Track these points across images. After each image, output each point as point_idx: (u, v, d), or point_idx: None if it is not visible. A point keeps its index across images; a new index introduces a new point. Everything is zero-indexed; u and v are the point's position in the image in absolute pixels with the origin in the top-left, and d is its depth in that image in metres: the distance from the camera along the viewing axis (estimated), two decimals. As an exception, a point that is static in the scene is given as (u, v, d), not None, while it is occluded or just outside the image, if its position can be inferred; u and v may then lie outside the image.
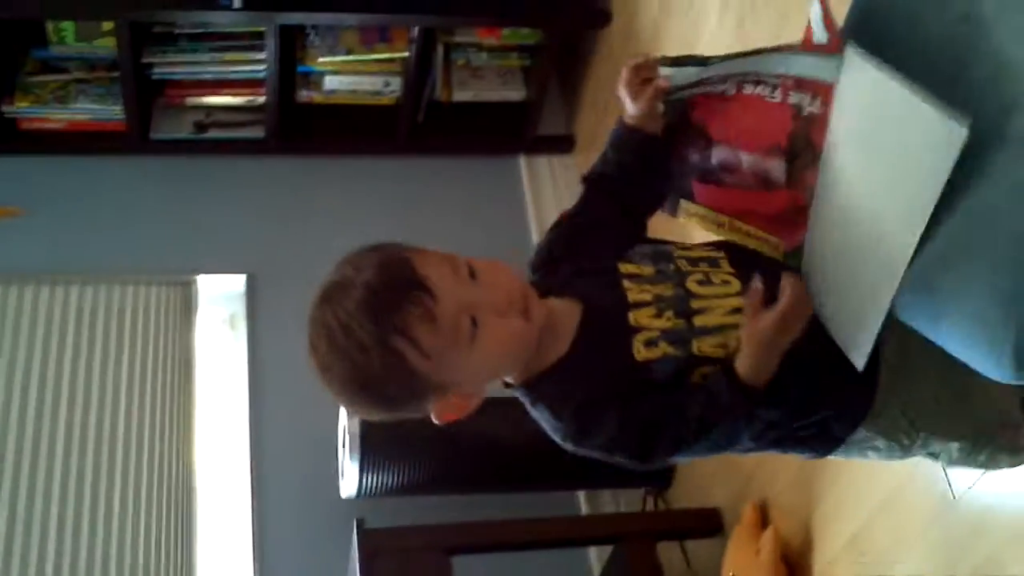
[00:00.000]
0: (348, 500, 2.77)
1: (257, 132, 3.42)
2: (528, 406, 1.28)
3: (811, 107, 1.19)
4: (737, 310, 1.23)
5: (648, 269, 1.29)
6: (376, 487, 2.72)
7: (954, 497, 1.79)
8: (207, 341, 3.26)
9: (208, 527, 2.96)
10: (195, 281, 3.29)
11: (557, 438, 1.27)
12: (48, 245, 3.22)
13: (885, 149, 1.11)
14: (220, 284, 3.31)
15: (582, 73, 3.51)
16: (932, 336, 1.12)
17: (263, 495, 2.97)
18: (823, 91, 1.16)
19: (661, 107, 1.35)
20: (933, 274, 1.07)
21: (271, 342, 3.21)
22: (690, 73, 1.31)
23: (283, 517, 2.94)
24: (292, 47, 3.30)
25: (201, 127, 3.42)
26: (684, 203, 1.39)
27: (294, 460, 3.02)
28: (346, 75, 3.38)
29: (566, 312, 1.28)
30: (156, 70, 3.27)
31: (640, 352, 1.23)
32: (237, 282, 3.30)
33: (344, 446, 2.74)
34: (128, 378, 3.05)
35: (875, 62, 1.08)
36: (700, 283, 1.27)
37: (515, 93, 3.49)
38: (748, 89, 1.26)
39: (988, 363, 1.03)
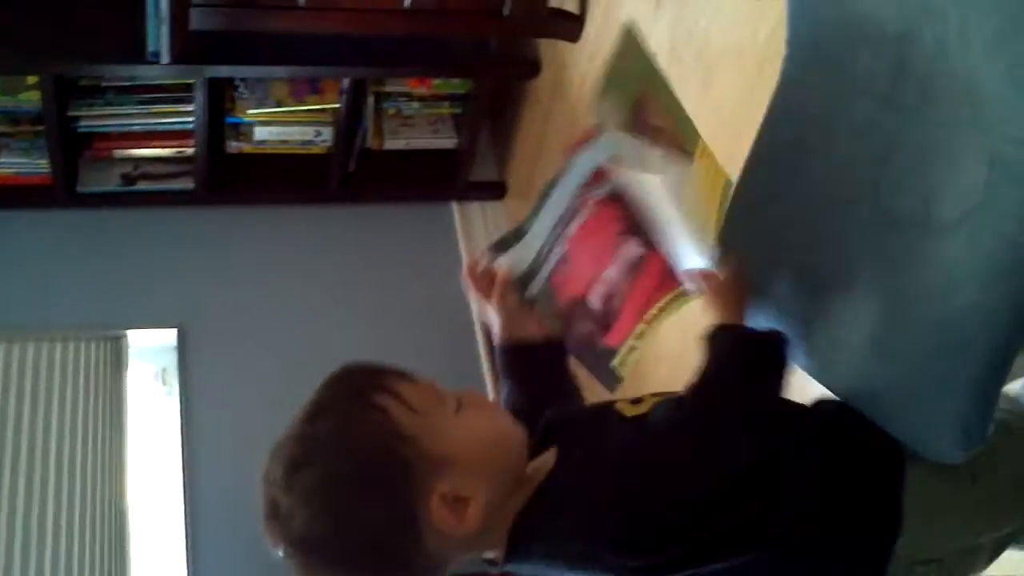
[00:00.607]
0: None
1: (187, 183, 3.39)
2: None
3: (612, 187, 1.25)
4: None
5: None
6: (315, 544, 2.69)
7: None
8: (138, 396, 3.22)
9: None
10: (125, 336, 3.25)
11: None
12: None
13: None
14: (150, 338, 3.27)
15: (513, 121, 3.54)
16: (873, 417, 1.15)
17: (198, 554, 2.93)
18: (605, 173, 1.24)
19: (520, 298, 1.31)
20: (866, 359, 1.10)
21: (204, 395, 3.17)
22: (521, 249, 1.30)
23: (218, 572, 2.90)
24: (221, 98, 3.29)
25: (129, 179, 3.38)
26: (612, 364, 1.36)
27: (229, 513, 2.97)
28: (276, 125, 3.36)
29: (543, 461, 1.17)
30: (83, 123, 3.23)
31: (627, 409, 1.19)
32: (168, 336, 3.26)
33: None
34: (58, 436, 3.00)
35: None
36: None
37: (447, 141, 3.51)
38: (572, 228, 1.29)
39: (928, 445, 1.06)
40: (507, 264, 1.30)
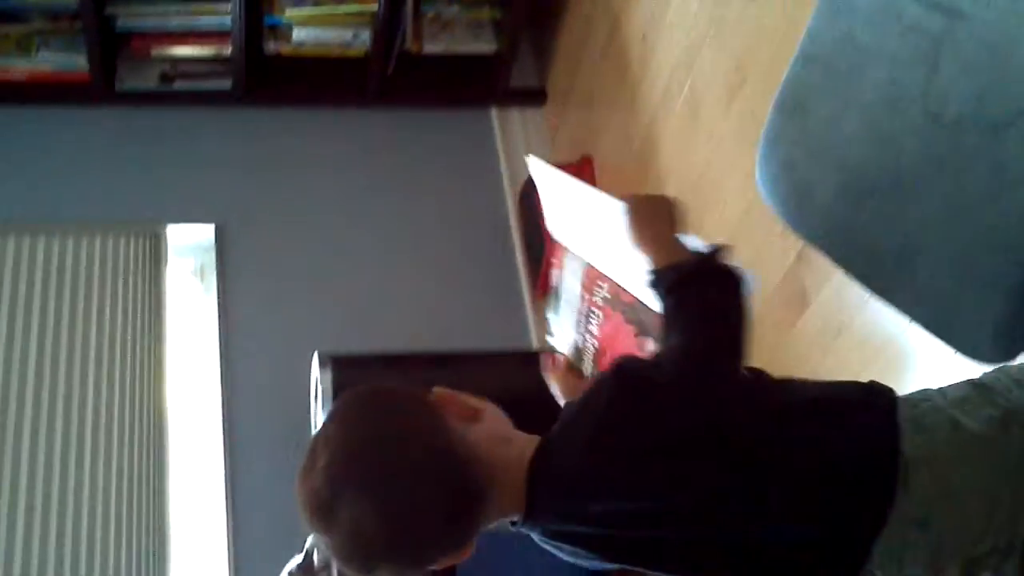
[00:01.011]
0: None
1: (224, 84, 3.39)
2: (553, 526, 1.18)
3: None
4: None
5: None
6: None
7: None
8: (176, 292, 3.26)
9: (180, 478, 2.98)
10: (164, 231, 3.27)
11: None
12: (13, 196, 3.19)
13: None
14: (189, 234, 3.30)
15: (554, 26, 3.49)
16: (908, 315, 1.15)
17: (235, 445, 2.99)
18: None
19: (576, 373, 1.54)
20: (910, 260, 1.10)
21: (241, 293, 3.21)
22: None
23: (255, 468, 2.96)
24: (260, -2, 3.27)
25: (167, 78, 3.38)
26: None
27: (266, 411, 3.03)
28: (314, 27, 3.34)
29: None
30: (120, 21, 3.22)
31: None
32: (206, 232, 3.29)
33: (316, 398, 2.75)
34: (98, 329, 3.04)
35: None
36: None
37: (486, 46, 3.47)
38: (595, 329, 1.50)
39: (966, 347, 1.07)
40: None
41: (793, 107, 1.31)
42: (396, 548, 1.11)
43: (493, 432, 1.22)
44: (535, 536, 1.20)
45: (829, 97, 1.27)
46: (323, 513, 1.10)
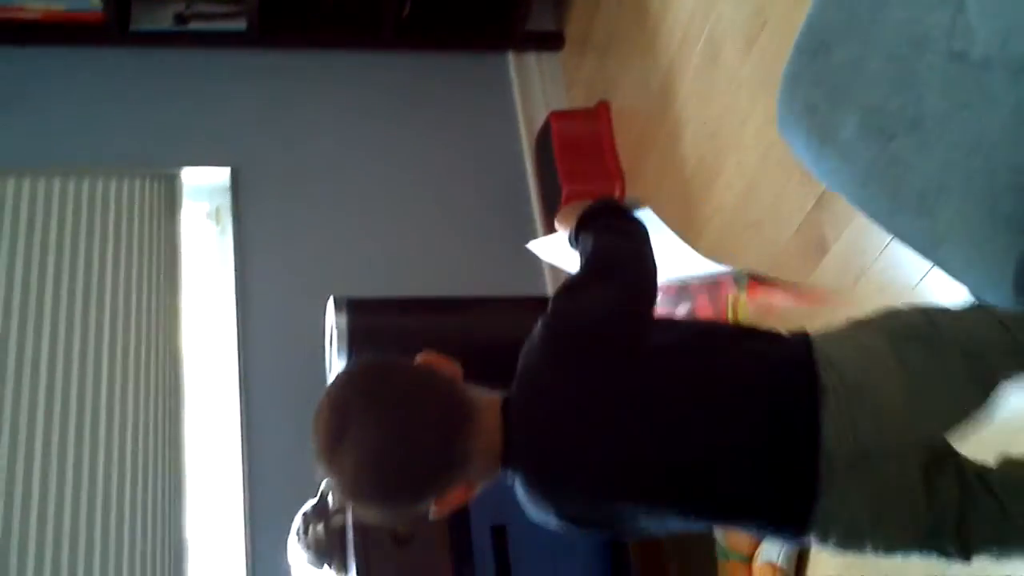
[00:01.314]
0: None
1: (239, 24, 3.36)
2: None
3: None
4: None
5: None
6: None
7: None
8: (192, 235, 3.26)
9: (195, 421, 3.00)
10: (179, 174, 3.27)
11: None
12: (27, 137, 3.18)
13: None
14: (204, 176, 3.29)
15: (571, -32, 3.45)
16: (929, 258, 1.14)
17: (251, 389, 3.00)
18: None
19: None
20: (933, 200, 1.09)
21: (256, 236, 3.21)
22: None
23: (270, 412, 2.97)
24: (276, -65, 3.23)
25: (182, 19, 3.36)
26: None
27: (281, 354, 3.04)
28: (331, -33, 3.31)
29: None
30: (135, -41, 3.20)
31: None
32: (221, 175, 3.28)
33: (331, 343, 2.76)
34: (113, 272, 3.05)
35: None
36: None
37: (503, -14, 3.44)
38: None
39: (986, 287, 1.06)
40: None
41: (814, 48, 1.29)
42: (397, 470, 1.21)
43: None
44: (520, 493, 1.27)
45: (851, 38, 1.25)
46: (333, 441, 1.19)
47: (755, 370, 1.26)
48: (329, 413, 1.21)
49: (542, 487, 1.25)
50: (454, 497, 1.24)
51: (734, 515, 1.28)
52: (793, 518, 1.23)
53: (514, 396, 1.26)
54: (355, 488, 1.22)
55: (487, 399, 1.26)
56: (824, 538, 1.24)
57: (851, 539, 1.25)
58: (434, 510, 1.25)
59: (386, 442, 1.19)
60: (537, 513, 1.28)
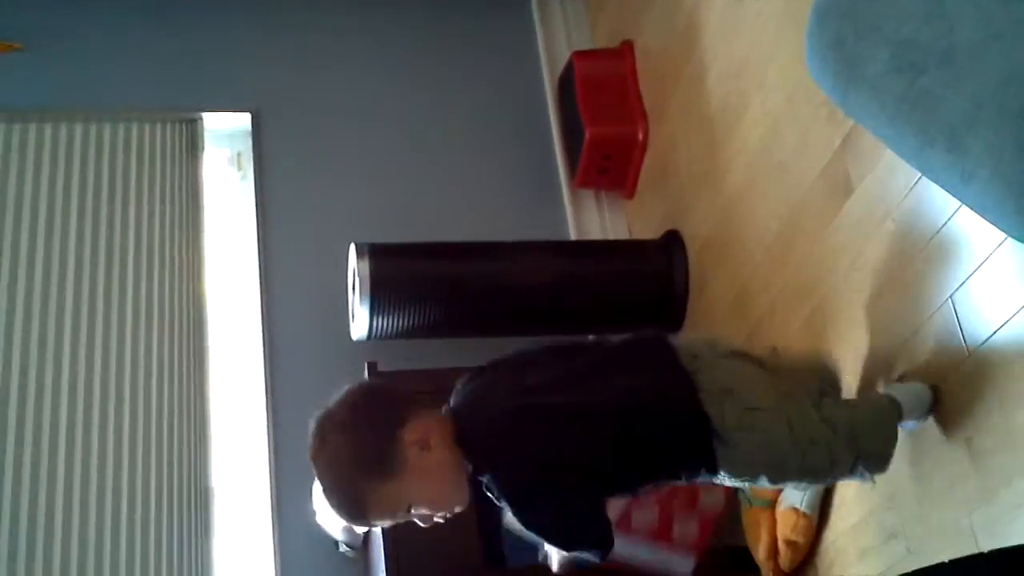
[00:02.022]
0: (359, 342, 2.79)
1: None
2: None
3: None
4: None
5: None
6: (386, 330, 2.74)
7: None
8: (213, 181, 3.24)
9: (220, 365, 3.00)
10: (200, 118, 3.25)
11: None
12: (49, 81, 3.16)
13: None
14: (226, 121, 3.27)
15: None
16: (958, 196, 1.11)
17: (274, 334, 3.00)
18: None
19: None
20: (963, 134, 1.06)
21: (278, 181, 3.19)
22: None
23: (294, 358, 2.97)
24: None
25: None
26: None
27: (304, 300, 3.03)
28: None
29: None
30: None
31: None
32: (243, 120, 3.26)
33: (354, 288, 2.75)
34: (136, 217, 3.04)
35: None
36: None
37: (524, -73, 3.38)
38: None
39: (1013, 224, 1.03)
40: None
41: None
42: (357, 458, 1.57)
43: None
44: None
45: (882, -32, 1.21)
46: (329, 473, 1.59)
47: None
48: (315, 429, 1.60)
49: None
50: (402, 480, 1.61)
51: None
52: None
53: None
54: (332, 484, 1.60)
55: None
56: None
57: None
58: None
59: (349, 442, 1.58)
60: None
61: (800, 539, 2.26)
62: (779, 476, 1.72)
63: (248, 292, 3.07)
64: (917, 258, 1.94)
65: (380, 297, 2.70)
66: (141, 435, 2.80)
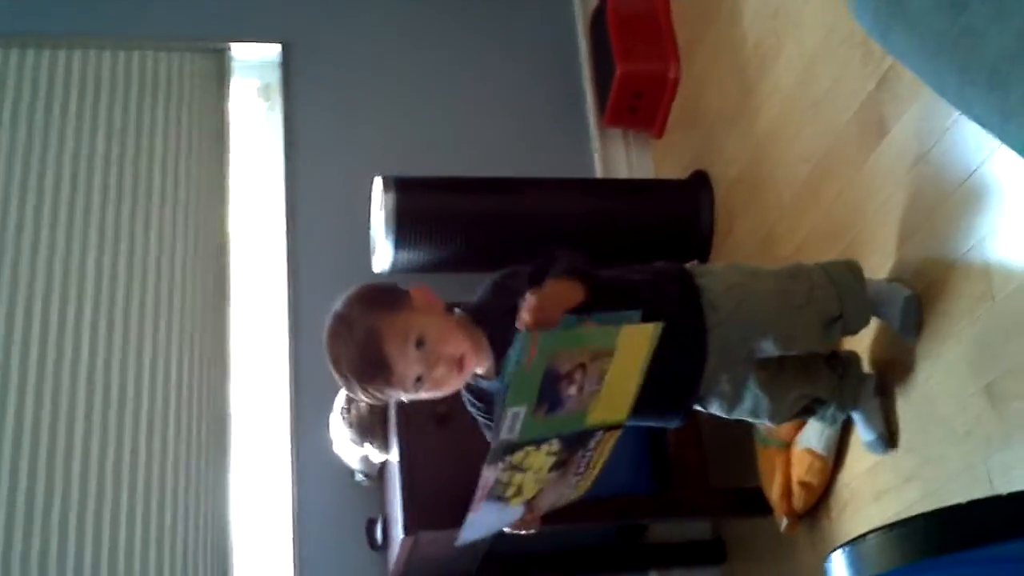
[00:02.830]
0: (380, 275, 2.79)
1: None
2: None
3: None
4: None
5: None
6: (408, 263, 2.74)
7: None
8: (241, 112, 3.24)
9: (242, 297, 3.02)
10: (228, 49, 3.24)
11: None
12: (77, 8, 3.15)
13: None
14: (254, 52, 3.26)
15: None
16: (998, 135, 1.10)
17: (298, 267, 3.01)
18: None
19: None
20: (1006, 72, 1.04)
21: (305, 114, 3.18)
22: None
23: (316, 288, 2.96)
24: None
25: None
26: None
27: (328, 232, 3.04)
28: None
29: None
30: None
31: None
32: (272, 51, 3.24)
33: (379, 221, 2.75)
34: (163, 147, 3.04)
35: None
36: None
37: None
38: None
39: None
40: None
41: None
42: (370, 303, 1.66)
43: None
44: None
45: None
46: (344, 331, 1.64)
47: None
48: (341, 314, 1.66)
49: None
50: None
51: None
52: None
53: None
54: (359, 361, 1.62)
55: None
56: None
57: None
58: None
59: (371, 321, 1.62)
60: None
61: (815, 480, 2.27)
62: (755, 305, 1.83)
63: (273, 223, 3.08)
64: (948, 202, 1.92)
65: (404, 230, 2.70)
66: (162, 362, 2.83)
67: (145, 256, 2.91)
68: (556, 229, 2.79)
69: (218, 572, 2.74)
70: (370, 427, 2.52)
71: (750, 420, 2.01)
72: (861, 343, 2.10)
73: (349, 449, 2.60)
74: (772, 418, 1.97)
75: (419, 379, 1.62)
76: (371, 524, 2.66)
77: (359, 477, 2.71)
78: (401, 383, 1.62)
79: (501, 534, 1.70)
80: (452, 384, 1.66)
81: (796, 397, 1.96)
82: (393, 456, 2.43)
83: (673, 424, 1.91)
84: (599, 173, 3.20)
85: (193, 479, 2.76)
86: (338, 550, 2.72)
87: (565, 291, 1.58)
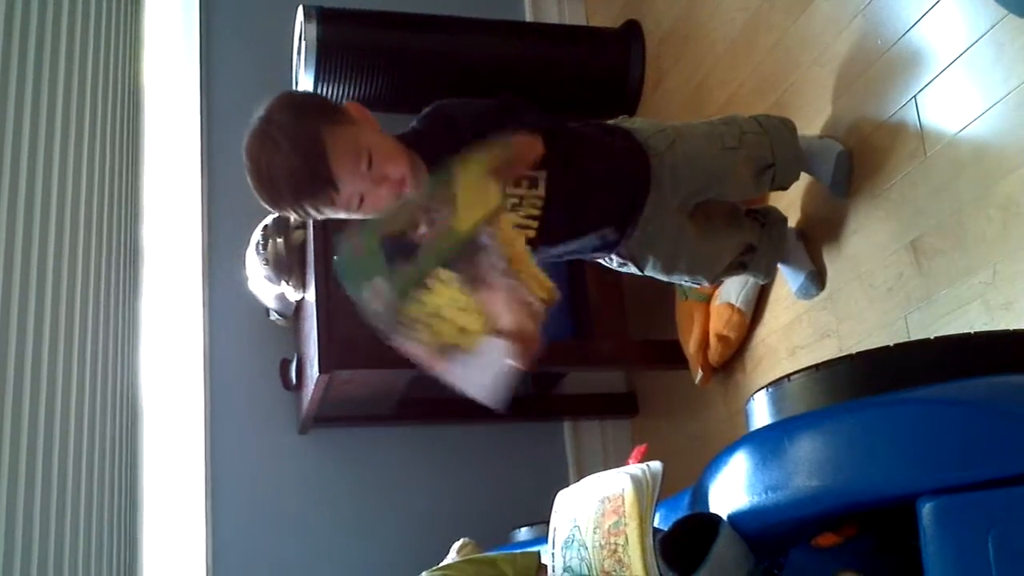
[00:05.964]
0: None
1: None
2: None
3: None
4: None
5: None
6: (331, 98, 2.65)
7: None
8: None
9: (154, 129, 2.89)
10: None
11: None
12: None
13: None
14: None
15: None
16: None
17: (212, 95, 2.88)
18: None
19: None
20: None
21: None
22: None
23: (232, 119, 2.79)
24: None
25: None
26: None
27: (246, 62, 2.91)
28: None
29: None
30: None
31: None
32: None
33: (300, 52, 2.65)
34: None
35: None
36: None
37: None
38: None
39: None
40: None
41: None
42: (308, 110, 1.57)
43: None
44: None
45: None
46: (277, 138, 1.52)
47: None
48: (262, 125, 1.54)
49: None
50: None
51: None
52: None
53: None
54: (290, 174, 1.52)
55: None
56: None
57: None
58: None
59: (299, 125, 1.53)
60: None
61: (732, 334, 2.29)
62: (687, 146, 1.82)
63: (188, 54, 2.93)
64: (883, 58, 1.90)
65: (326, 64, 2.60)
66: (70, 197, 2.71)
67: (53, 97, 2.76)
68: (482, 72, 2.72)
69: (128, 411, 2.69)
70: (287, 264, 2.46)
71: (688, 282, 2.00)
72: (786, 199, 2.10)
73: (264, 287, 2.55)
74: (708, 275, 1.97)
75: (361, 198, 1.54)
76: (285, 363, 2.63)
77: (274, 316, 2.67)
78: (345, 202, 1.54)
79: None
80: (387, 206, 1.57)
81: (731, 248, 1.96)
82: (310, 295, 2.38)
83: (612, 244, 1.82)
84: (528, 17, 3.11)
85: (103, 313, 2.69)
86: (251, 389, 2.69)
87: (528, 148, 1.57)
